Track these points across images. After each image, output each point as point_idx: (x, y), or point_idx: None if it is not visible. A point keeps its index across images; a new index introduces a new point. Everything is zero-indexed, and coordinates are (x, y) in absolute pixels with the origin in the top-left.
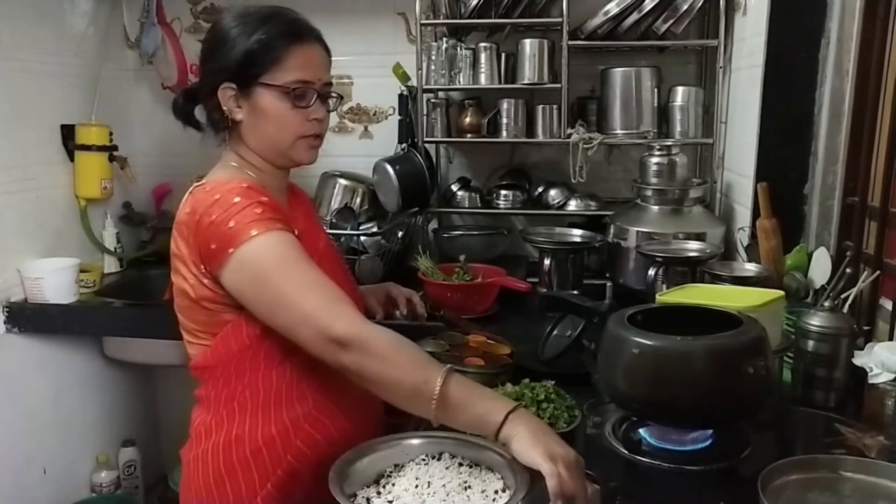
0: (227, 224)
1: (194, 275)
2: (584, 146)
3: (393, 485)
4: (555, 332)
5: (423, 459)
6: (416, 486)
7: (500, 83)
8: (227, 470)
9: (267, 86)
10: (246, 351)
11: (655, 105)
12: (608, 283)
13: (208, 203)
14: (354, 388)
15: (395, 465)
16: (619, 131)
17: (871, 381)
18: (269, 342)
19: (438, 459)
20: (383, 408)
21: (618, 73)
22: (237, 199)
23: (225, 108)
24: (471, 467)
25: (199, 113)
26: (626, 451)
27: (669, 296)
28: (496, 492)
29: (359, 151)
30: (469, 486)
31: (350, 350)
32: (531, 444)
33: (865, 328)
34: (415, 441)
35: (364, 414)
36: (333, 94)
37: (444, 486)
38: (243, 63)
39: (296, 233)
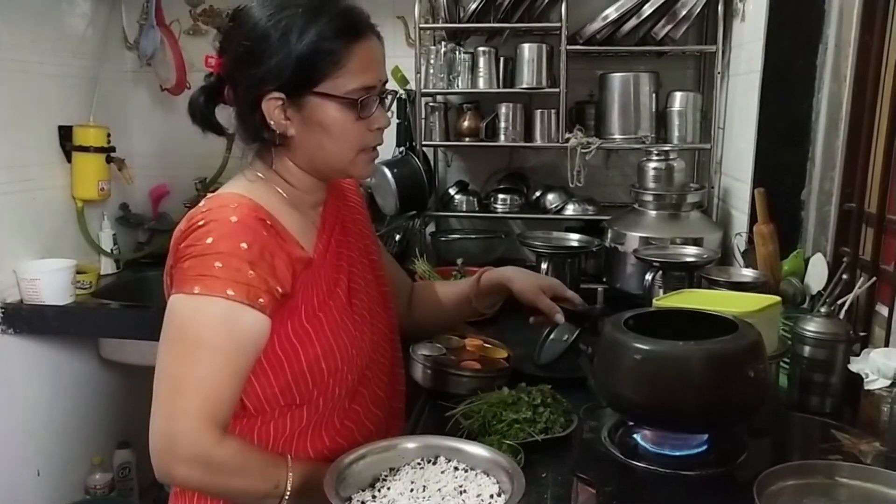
0: (185, 262)
1: None
2: (582, 151)
3: (388, 488)
4: (552, 337)
5: (419, 463)
6: (412, 490)
7: (498, 87)
8: None
9: (326, 96)
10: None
11: (653, 110)
12: (599, 288)
13: (192, 225)
14: (374, 430)
15: (391, 469)
16: (617, 136)
17: (866, 387)
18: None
19: (434, 463)
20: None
21: (616, 78)
22: (210, 240)
23: (271, 121)
24: (466, 471)
25: (220, 114)
26: (623, 456)
27: (666, 301)
28: (491, 496)
29: None
30: (464, 491)
31: (191, 467)
32: None
33: (862, 334)
34: (410, 445)
35: None
36: (389, 93)
37: (439, 490)
38: (296, 71)
39: (279, 291)
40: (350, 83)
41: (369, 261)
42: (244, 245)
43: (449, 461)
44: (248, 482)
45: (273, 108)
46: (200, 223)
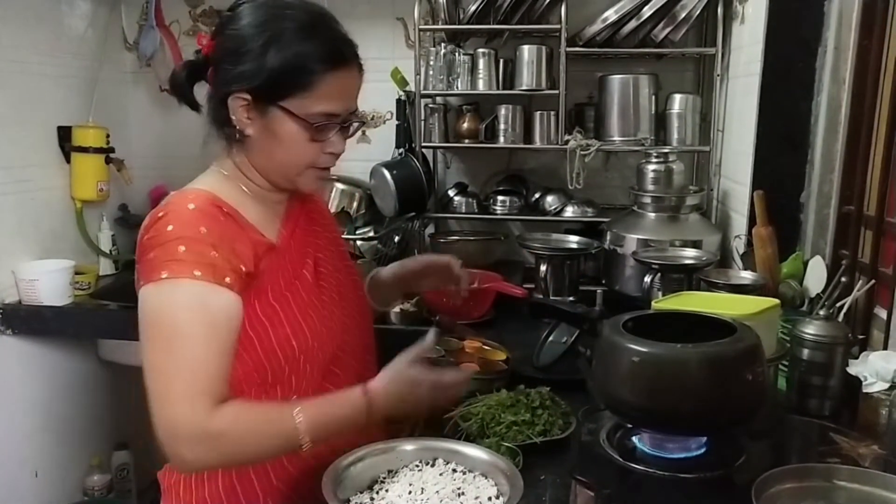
0: (150, 253)
1: None
2: (582, 153)
3: (387, 490)
4: (550, 339)
5: (417, 465)
6: (410, 493)
7: (498, 89)
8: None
9: (288, 112)
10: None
11: (653, 112)
12: (598, 290)
13: (154, 219)
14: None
15: (389, 471)
16: (616, 138)
17: (865, 390)
18: (245, 370)
19: (432, 466)
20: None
21: (615, 80)
22: (171, 227)
23: (234, 116)
24: (464, 474)
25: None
26: (621, 459)
27: (665, 303)
28: (489, 498)
29: (356, 156)
30: (462, 493)
31: (194, 446)
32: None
33: (860, 337)
34: (408, 447)
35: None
36: (356, 121)
37: (437, 492)
38: (267, 82)
39: (243, 269)
40: (314, 107)
41: (338, 251)
42: (203, 230)
43: (447, 463)
44: (257, 443)
45: (238, 105)
46: (160, 215)
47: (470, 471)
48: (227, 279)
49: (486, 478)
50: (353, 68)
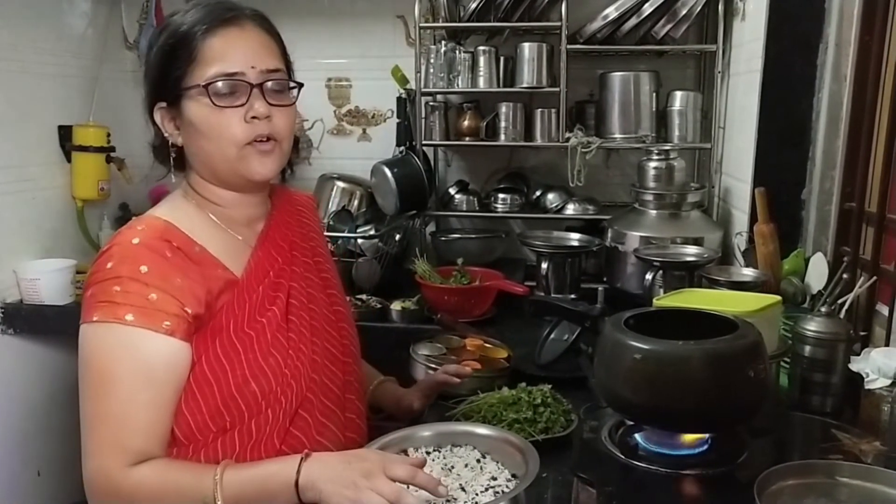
0: (88, 290)
1: None
2: (583, 150)
3: None
4: (552, 336)
5: None
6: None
7: (498, 87)
8: None
9: (187, 90)
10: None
11: (654, 109)
12: (599, 287)
13: (100, 253)
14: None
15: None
16: (617, 135)
17: (867, 387)
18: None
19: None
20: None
21: (616, 78)
22: (110, 265)
23: (165, 133)
24: (437, 451)
25: None
26: (623, 456)
27: (667, 300)
28: (477, 460)
29: (357, 154)
30: (452, 467)
31: (114, 500)
32: (336, 486)
33: (862, 334)
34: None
35: None
36: (291, 83)
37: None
38: (162, 69)
39: (188, 312)
40: (207, 72)
41: (319, 277)
42: (144, 268)
43: (417, 450)
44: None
45: (162, 118)
46: (108, 247)
47: (438, 448)
48: (167, 323)
49: (460, 446)
50: (241, 25)
